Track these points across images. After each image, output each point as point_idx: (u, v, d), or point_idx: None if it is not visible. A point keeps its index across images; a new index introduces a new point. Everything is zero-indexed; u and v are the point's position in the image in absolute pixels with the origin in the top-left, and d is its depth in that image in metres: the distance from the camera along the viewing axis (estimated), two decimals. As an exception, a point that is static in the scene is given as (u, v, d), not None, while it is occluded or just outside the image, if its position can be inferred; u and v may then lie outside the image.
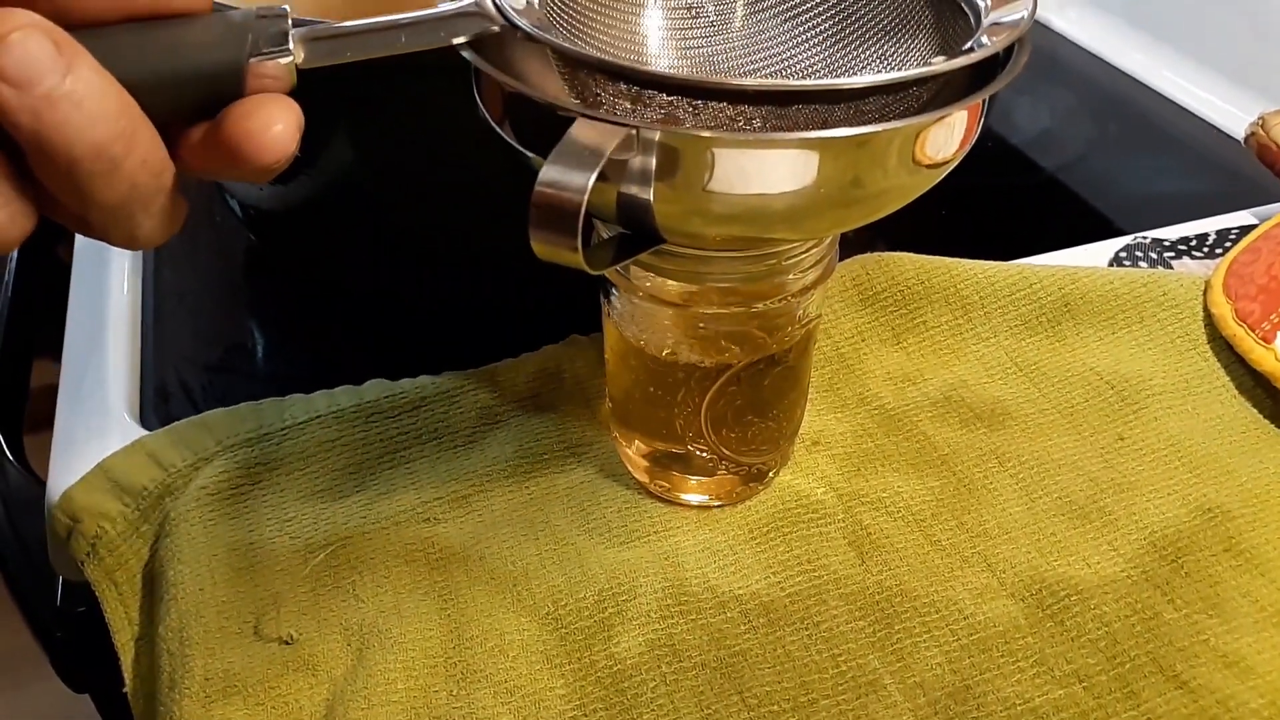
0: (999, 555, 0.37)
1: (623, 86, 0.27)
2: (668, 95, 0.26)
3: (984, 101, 0.27)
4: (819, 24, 0.31)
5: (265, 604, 0.37)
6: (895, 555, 0.37)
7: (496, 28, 0.27)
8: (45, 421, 0.47)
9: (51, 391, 0.47)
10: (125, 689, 0.37)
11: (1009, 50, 0.28)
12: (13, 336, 0.57)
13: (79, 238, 0.56)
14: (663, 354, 0.35)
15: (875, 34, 0.31)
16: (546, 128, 0.25)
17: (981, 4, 0.30)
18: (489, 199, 0.45)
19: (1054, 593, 0.36)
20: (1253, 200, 0.53)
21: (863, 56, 0.31)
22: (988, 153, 0.64)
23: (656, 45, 0.33)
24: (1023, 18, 0.28)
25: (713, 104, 0.26)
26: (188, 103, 0.24)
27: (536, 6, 0.29)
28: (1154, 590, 0.36)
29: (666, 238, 0.28)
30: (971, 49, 0.28)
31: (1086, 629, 0.35)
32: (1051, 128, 0.67)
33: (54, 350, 0.52)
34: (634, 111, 0.27)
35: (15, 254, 0.61)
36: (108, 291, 0.52)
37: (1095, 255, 0.49)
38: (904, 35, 0.31)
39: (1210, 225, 0.51)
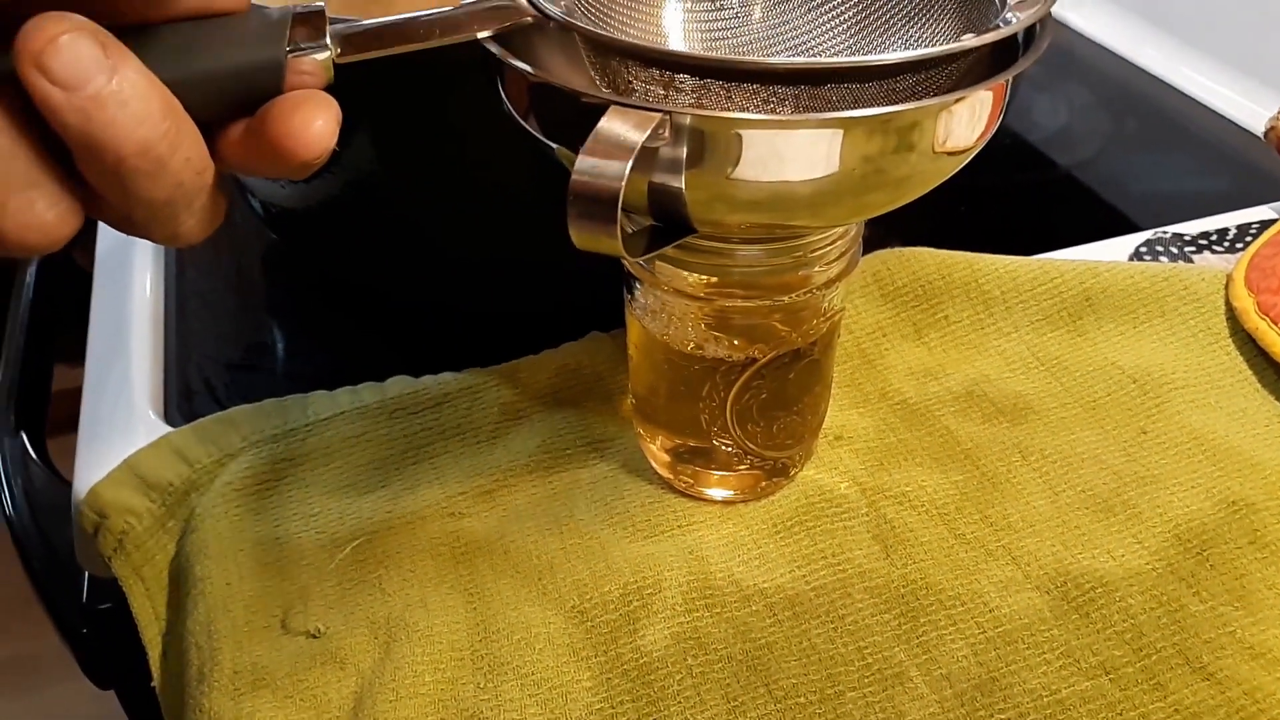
0: (1023, 548, 0.37)
1: (655, 73, 0.27)
2: (701, 79, 0.26)
3: (1007, 84, 0.27)
4: (842, 11, 0.32)
5: (292, 598, 0.37)
6: (920, 549, 0.37)
7: (529, 19, 0.27)
8: (64, 425, 0.47)
9: (69, 396, 0.47)
10: (153, 683, 0.38)
11: (1030, 34, 0.28)
12: (35, 337, 0.57)
13: (100, 241, 0.56)
14: (687, 348, 0.35)
15: (899, 20, 0.31)
16: (575, 119, 0.25)
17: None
18: (510, 197, 0.45)
19: (1079, 585, 0.36)
20: (1273, 195, 0.53)
21: (886, 43, 0.32)
22: (1005, 150, 0.64)
23: (680, 38, 0.33)
24: None
25: (745, 87, 0.26)
26: (229, 100, 0.25)
27: (562, 2, 0.29)
28: (1179, 582, 0.36)
29: (697, 227, 0.28)
30: (999, 26, 0.28)
31: (1112, 621, 0.35)
32: (1069, 124, 0.67)
33: (70, 356, 0.52)
34: (666, 98, 0.27)
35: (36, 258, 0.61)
36: (131, 291, 0.52)
37: (1115, 250, 0.49)
38: (928, 20, 0.31)
39: (1230, 220, 0.51)
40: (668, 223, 0.28)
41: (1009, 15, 0.30)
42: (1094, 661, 0.34)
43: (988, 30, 0.29)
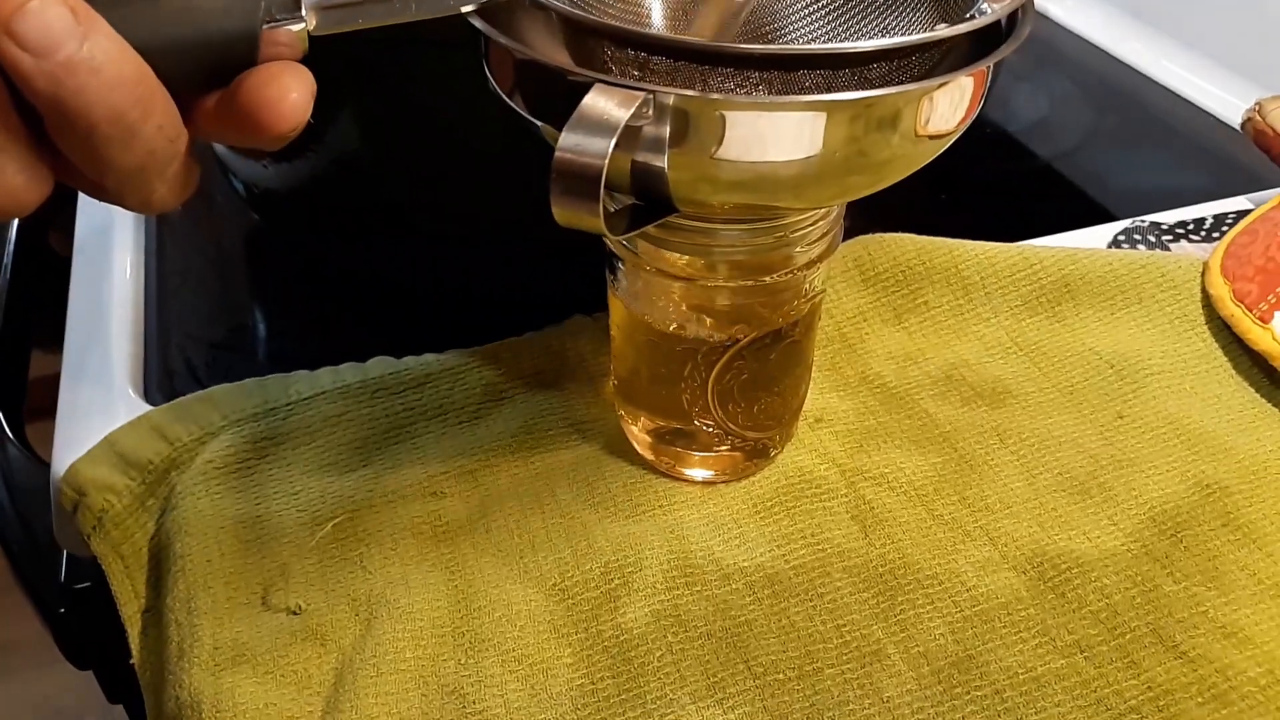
0: (1000, 529, 0.37)
1: (631, 54, 0.27)
2: (676, 62, 0.26)
3: (989, 70, 0.28)
4: (820, -3, 0.32)
5: (273, 575, 0.37)
6: (898, 529, 0.38)
7: None
8: (41, 411, 0.47)
9: (45, 381, 0.47)
10: (132, 661, 0.38)
11: (1012, 19, 0.29)
12: (12, 318, 0.57)
13: (80, 219, 0.56)
14: (669, 329, 0.36)
15: (877, 6, 0.32)
16: (559, 96, 0.25)
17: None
18: (493, 178, 0.45)
19: (1055, 565, 0.36)
20: (1249, 186, 0.53)
21: (864, 29, 0.32)
22: (986, 140, 0.65)
23: (657, 20, 0.33)
24: None
25: (721, 70, 0.26)
26: (202, 70, 0.24)
27: None
28: (1154, 563, 0.36)
29: (679, 206, 0.28)
30: (974, 16, 0.28)
31: (1088, 600, 0.35)
32: (1049, 116, 0.67)
33: (47, 343, 0.52)
34: (642, 80, 0.27)
35: (14, 236, 0.61)
36: (111, 271, 0.52)
37: (1094, 239, 0.50)
38: (905, 8, 0.32)
39: (1207, 210, 0.51)
40: (650, 201, 0.28)
41: (985, 5, 0.30)
42: (1069, 640, 0.34)
43: (968, 17, 0.30)
